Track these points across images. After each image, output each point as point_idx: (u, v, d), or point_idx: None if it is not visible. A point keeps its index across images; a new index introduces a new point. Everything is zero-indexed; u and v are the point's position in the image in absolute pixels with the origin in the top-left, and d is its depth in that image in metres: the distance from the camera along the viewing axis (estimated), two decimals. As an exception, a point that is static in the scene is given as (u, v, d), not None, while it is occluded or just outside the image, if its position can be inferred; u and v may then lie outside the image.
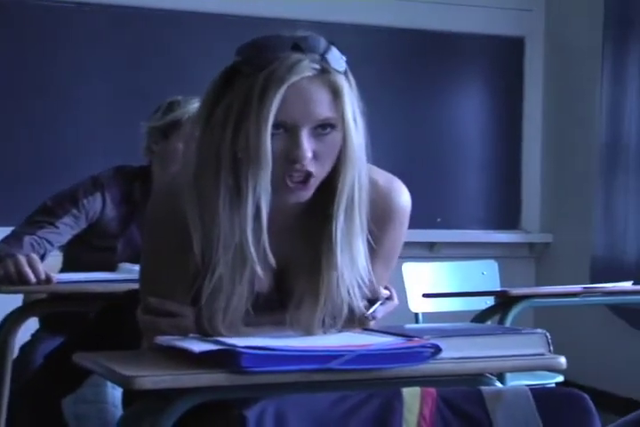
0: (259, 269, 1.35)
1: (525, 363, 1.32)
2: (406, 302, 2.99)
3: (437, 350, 1.23)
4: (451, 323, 1.57)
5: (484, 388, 1.11)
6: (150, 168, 2.49)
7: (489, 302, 2.98)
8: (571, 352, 4.79)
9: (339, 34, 4.19)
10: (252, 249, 1.33)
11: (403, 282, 3.04)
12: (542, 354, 1.33)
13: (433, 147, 4.61)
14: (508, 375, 2.38)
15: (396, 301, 1.54)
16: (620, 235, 4.08)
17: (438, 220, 4.61)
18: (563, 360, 1.32)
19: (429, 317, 3.04)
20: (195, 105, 2.36)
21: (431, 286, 3.12)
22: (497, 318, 2.54)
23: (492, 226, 4.72)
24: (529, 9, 4.69)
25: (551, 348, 1.34)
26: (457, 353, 1.28)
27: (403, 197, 1.50)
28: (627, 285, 2.59)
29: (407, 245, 4.87)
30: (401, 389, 1.10)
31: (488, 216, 4.72)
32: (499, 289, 2.71)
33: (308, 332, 1.37)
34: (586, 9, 4.42)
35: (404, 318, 2.95)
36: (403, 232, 1.52)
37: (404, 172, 5.16)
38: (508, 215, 4.75)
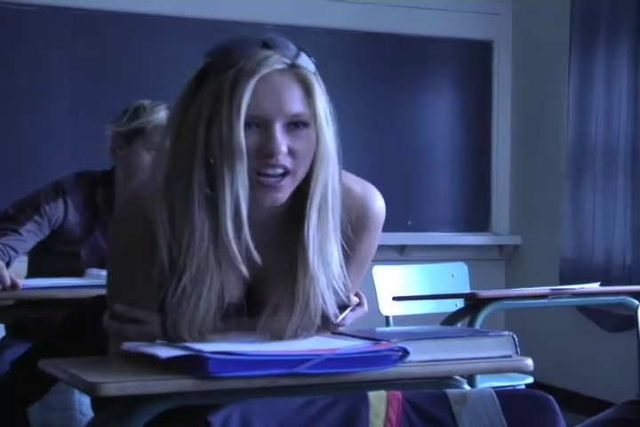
0: (243, 268, 1.33)
1: (493, 365, 1.33)
2: (377, 305, 2.99)
3: (405, 353, 1.23)
4: (420, 326, 1.58)
5: (449, 391, 1.11)
6: (112, 173, 2.47)
7: (459, 304, 2.99)
8: (541, 353, 4.85)
9: (308, 37, 4.21)
10: (234, 247, 1.31)
11: (373, 285, 3.04)
12: (509, 356, 1.33)
13: (403, 150, 4.63)
14: (478, 377, 2.40)
15: (365, 307, 1.53)
16: (589, 236, 4.12)
17: (409, 223, 4.62)
18: (530, 362, 1.32)
19: (400, 319, 3.05)
20: (161, 113, 2.36)
21: (401, 288, 3.13)
22: (467, 320, 2.56)
23: (463, 228, 4.74)
24: (497, 13, 4.73)
25: (518, 350, 1.34)
26: (425, 356, 1.28)
27: (378, 204, 1.49)
28: (594, 286, 2.61)
29: (378, 248, 4.88)
30: (367, 393, 1.10)
31: (458, 219, 4.74)
32: (468, 292, 2.73)
33: (279, 338, 1.36)
34: (552, 12, 4.45)
35: (375, 322, 2.95)
36: (376, 239, 1.52)
37: (375, 175, 5.16)
38: (477, 218, 4.78)
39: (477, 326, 2.44)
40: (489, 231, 4.79)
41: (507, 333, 1.35)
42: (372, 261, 2.92)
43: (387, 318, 3.01)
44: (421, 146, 4.67)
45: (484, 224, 4.79)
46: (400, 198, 4.55)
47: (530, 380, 2.94)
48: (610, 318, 3.78)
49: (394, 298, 2.87)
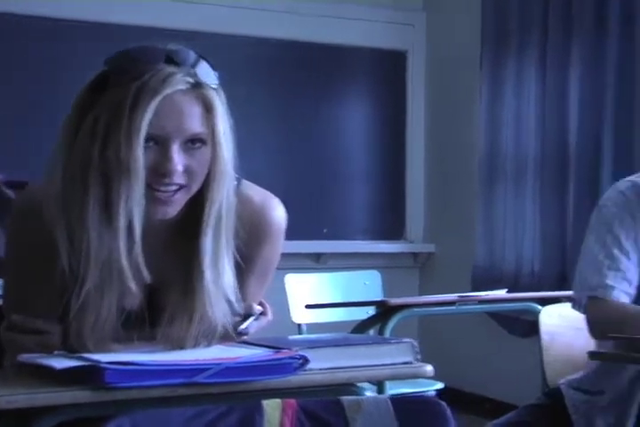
0: (132, 285, 1.33)
1: (394, 371, 1.34)
2: (289, 313, 2.99)
3: (305, 361, 1.24)
4: (329, 333, 1.58)
5: (344, 398, 1.13)
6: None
7: (371, 312, 3.02)
8: (453, 359, 4.90)
9: (223, 45, 4.21)
10: (125, 263, 1.31)
11: (285, 293, 3.04)
12: (410, 362, 1.35)
13: (319, 159, 4.65)
14: (388, 384, 2.42)
15: (269, 316, 1.54)
16: (500, 244, 4.20)
17: (325, 231, 4.64)
18: (429, 368, 1.34)
19: (314, 327, 3.06)
20: None
21: (315, 296, 3.14)
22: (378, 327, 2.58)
23: (378, 237, 4.79)
24: (411, 24, 4.80)
25: (419, 356, 1.36)
26: (326, 364, 1.29)
27: (277, 213, 1.49)
28: (501, 293, 2.66)
29: (293, 256, 4.87)
30: (262, 401, 1.10)
31: (373, 227, 4.78)
32: (379, 299, 2.75)
33: (180, 347, 1.35)
34: (465, 23, 4.54)
35: (288, 330, 2.96)
36: (278, 249, 1.52)
37: (290, 184, 5.19)
38: (392, 226, 4.83)
39: (387, 333, 2.47)
40: (403, 239, 4.84)
41: (408, 340, 1.37)
42: (286, 269, 2.91)
43: (299, 325, 3.02)
44: (337, 155, 4.70)
45: (399, 232, 4.84)
46: (316, 207, 4.58)
47: (440, 386, 2.98)
48: (518, 324, 3.86)
49: (306, 306, 2.88)
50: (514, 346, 4.08)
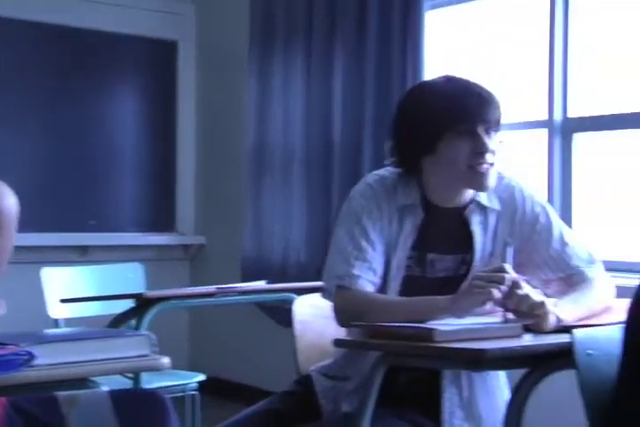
0: None
1: (129, 365, 1.33)
2: (45, 307, 2.89)
3: (31, 357, 1.19)
4: (75, 328, 1.54)
5: (60, 393, 1.10)
6: None
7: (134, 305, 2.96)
8: (222, 350, 4.89)
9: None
10: None
11: (41, 288, 2.93)
12: (146, 355, 1.33)
13: (86, 150, 4.51)
14: (144, 376, 2.39)
15: (2, 310, 1.47)
16: (268, 236, 4.25)
17: (92, 222, 4.52)
18: (166, 361, 1.33)
19: (73, 322, 2.97)
20: None
21: (76, 290, 3.04)
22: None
23: (148, 229, 4.72)
24: (180, 13, 4.75)
25: (156, 349, 1.35)
26: (57, 359, 1.25)
27: (7, 201, 1.43)
28: (260, 284, 2.69)
29: (57, 249, 4.68)
30: (-33, 400, 1.05)
31: (143, 219, 4.71)
32: (136, 292, 2.70)
33: None
34: (234, 16, 4.55)
35: (45, 325, 2.85)
36: (11, 237, 1.45)
37: (54, 175, 4.99)
38: (162, 218, 4.78)
39: (144, 326, 2.43)
40: (174, 231, 4.80)
41: (144, 332, 1.35)
42: (47, 262, 2.80)
43: (56, 320, 2.91)
44: (105, 146, 4.59)
45: (169, 224, 4.80)
46: (82, 199, 4.45)
47: (202, 377, 2.97)
48: (282, 314, 3.92)
49: (61, 300, 2.79)
50: (279, 335, 4.15)
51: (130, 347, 1.32)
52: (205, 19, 4.76)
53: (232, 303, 2.89)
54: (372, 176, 2.03)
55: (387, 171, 2.01)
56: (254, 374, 4.33)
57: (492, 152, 1.88)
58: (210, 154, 4.80)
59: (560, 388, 2.04)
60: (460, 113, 1.85)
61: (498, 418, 1.86)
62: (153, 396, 1.09)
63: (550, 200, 3.28)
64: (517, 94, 3.45)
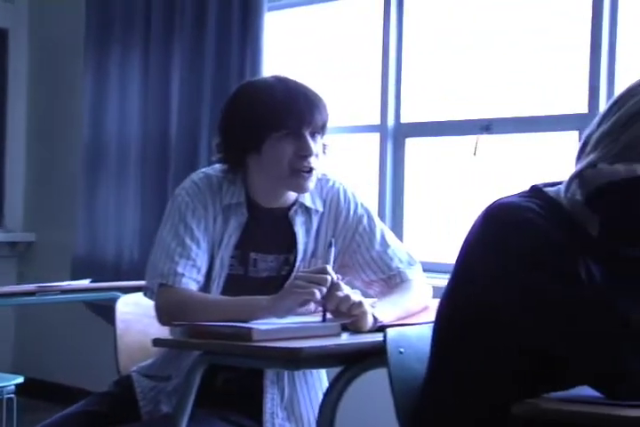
0: None
1: None
2: None
3: None
4: None
5: None
6: None
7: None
8: (48, 350, 4.71)
9: None
10: None
11: None
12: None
13: None
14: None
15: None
16: (101, 234, 4.15)
17: None
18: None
19: None
20: None
21: None
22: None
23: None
24: (11, 0, 4.56)
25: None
26: None
27: None
28: (84, 282, 2.62)
29: None
30: None
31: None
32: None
33: None
34: (69, 6, 4.40)
35: None
36: None
37: None
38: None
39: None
40: (1, 228, 4.62)
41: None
42: None
43: None
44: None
45: (-3, 221, 4.61)
46: None
47: (20, 380, 2.87)
48: (111, 313, 3.83)
49: None
50: (109, 335, 4.05)
51: None
52: (38, 6, 4.58)
53: (56, 302, 2.79)
54: (197, 174, 2.01)
55: (213, 169, 2.00)
56: (80, 375, 4.21)
57: (316, 155, 1.90)
58: (42, 148, 4.63)
59: (377, 386, 2.09)
60: (286, 115, 1.86)
61: (318, 417, 1.88)
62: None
63: (382, 202, 3.35)
64: (353, 99, 3.51)
